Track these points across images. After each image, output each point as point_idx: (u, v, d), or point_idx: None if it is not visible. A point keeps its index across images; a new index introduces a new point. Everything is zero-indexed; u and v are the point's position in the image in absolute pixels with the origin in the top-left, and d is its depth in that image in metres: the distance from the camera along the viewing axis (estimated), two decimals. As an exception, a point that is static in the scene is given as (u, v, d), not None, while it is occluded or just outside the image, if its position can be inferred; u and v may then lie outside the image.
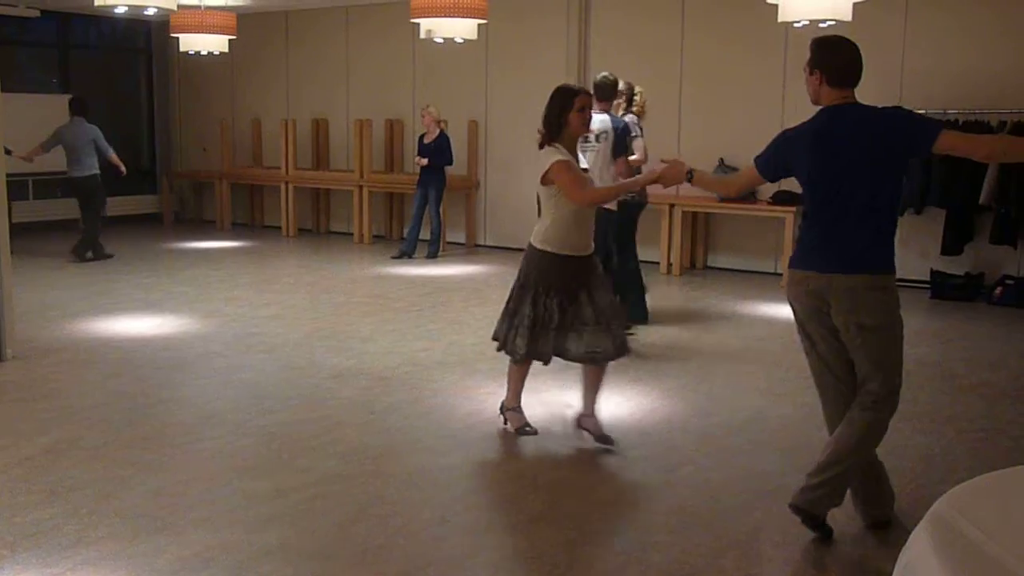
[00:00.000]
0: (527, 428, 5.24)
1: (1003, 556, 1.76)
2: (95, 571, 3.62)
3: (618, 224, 7.50)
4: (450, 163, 11.52)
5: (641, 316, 7.92)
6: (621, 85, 7.63)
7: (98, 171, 10.96)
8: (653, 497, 4.45)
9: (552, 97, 4.96)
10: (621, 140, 7.36)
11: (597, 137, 7.24)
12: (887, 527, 4.08)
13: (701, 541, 3.96)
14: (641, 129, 7.76)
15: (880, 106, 3.89)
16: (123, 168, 11.28)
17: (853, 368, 3.96)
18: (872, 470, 4.10)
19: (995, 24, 9.34)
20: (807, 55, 3.95)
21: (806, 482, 3.92)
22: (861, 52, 3.91)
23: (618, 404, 5.80)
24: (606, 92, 7.41)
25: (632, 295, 7.75)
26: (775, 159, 4.08)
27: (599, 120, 7.20)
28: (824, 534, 3.96)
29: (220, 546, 3.83)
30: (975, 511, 1.96)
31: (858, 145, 3.81)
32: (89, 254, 11.01)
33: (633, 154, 7.57)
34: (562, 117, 4.91)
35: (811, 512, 3.90)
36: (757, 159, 4.15)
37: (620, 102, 7.70)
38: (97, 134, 10.92)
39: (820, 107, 3.96)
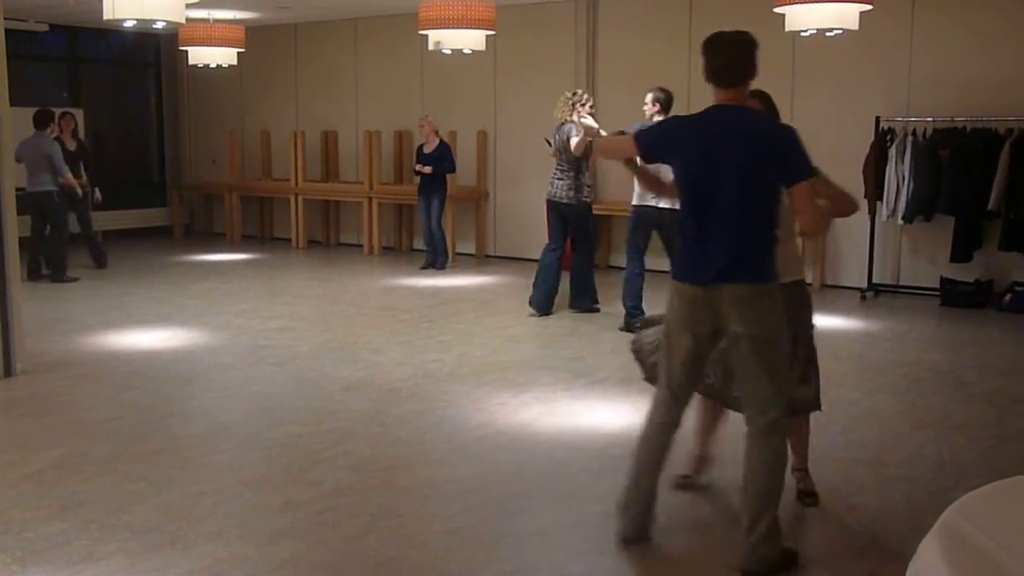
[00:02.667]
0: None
1: (1013, 565, 1.75)
2: (106, 585, 3.63)
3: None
4: (453, 170, 11.57)
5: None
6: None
7: (53, 188, 10.47)
8: (662, 506, 4.43)
9: None
10: None
11: None
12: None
13: (709, 549, 3.95)
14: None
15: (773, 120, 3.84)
16: (78, 189, 10.78)
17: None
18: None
19: (1003, 31, 9.33)
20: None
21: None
22: (751, 50, 3.77)
23: (627, 413, 5.78)
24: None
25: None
26: (657, 141, 4.01)
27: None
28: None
29: (230, 559, 3.83)
30: (984, 519, 1.95)
31: (731, 148, 3.70)
32: (68, 274, 10.61)
33: None
34: None
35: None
36: (639, 134, 4.06)
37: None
38: (53, 150, 10.46)
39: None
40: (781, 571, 3.72)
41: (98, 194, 11.44)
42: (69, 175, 10.64)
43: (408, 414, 5.81)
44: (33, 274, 10.56)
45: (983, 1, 9.44)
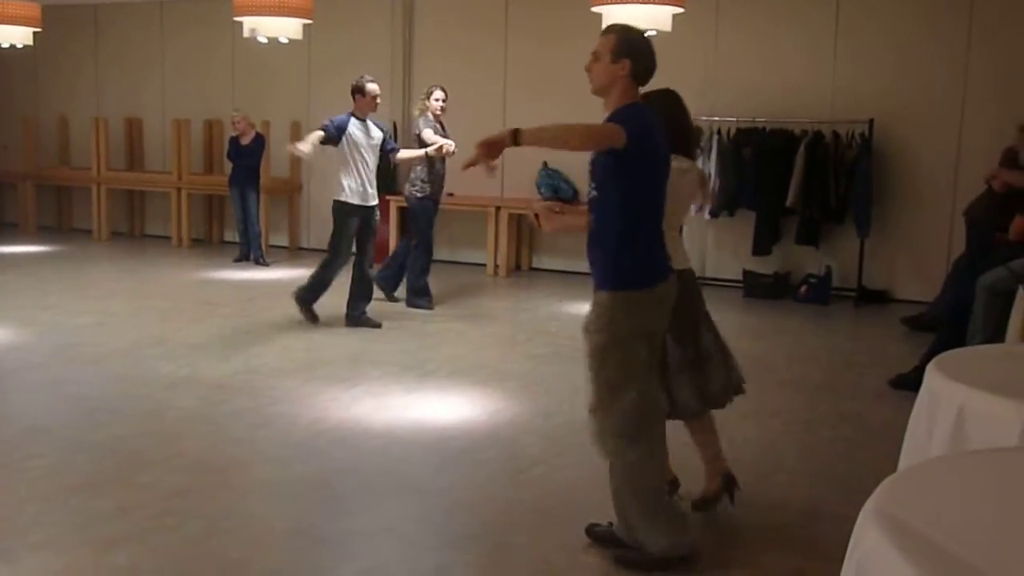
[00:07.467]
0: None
1: (954, 546, 1.83)
2: (-70, 603, 3.41)
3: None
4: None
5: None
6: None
7: None
8: (509, 499, 4.51)
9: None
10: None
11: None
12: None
13: (562, 540, 4.04)
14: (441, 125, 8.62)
15: None
16: None
17: None
18: None
19: (795, 41, 9.92)
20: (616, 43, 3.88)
21: None
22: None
23: (463, 407, 5.85)
24: None
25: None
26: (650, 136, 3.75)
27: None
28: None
29: (65, 570, 3.67)
30: (912, 507, 2.03)
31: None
32: None
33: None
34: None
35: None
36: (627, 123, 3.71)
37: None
38: None
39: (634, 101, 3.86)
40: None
41: None
42: None
43: (238, 411, 5.68)
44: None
45: (775, 12, 10.01)
